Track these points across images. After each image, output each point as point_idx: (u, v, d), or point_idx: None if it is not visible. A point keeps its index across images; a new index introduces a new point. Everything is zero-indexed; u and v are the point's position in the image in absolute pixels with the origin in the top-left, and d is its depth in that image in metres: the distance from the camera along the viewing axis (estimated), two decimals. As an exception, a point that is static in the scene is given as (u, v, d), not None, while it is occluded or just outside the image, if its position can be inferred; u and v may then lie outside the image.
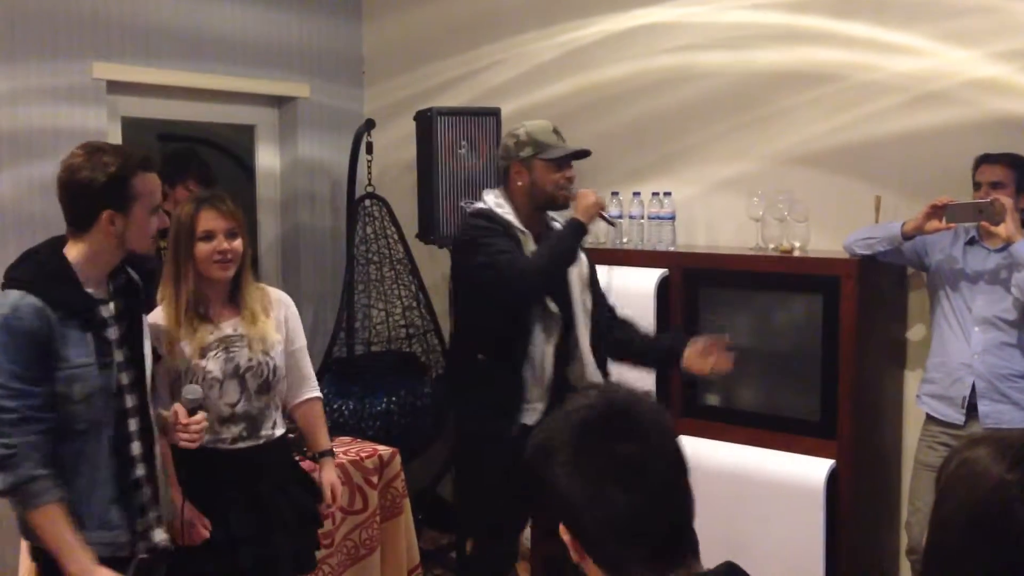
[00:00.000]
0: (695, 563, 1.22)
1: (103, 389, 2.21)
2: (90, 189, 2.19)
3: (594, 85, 4.36)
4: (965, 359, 3.16)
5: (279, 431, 2.70)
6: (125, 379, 2.29)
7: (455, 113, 4.08)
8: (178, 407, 2.38)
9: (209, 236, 2.54)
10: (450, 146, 4.02)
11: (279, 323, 2.70)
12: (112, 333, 2.27)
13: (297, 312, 2.81)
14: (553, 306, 3.03)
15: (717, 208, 4.01)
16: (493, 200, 3.11)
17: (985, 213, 3.03)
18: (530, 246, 3.03)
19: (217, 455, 2.57)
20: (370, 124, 4.60)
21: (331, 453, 2.86)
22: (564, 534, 1.25)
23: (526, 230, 3.05)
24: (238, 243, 2.57)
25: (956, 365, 3.18)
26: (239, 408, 2.59)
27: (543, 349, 3.01)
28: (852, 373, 3.29)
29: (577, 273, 3.10)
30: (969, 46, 3.40)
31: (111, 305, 2.28)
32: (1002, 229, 3.01)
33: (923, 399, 3.31)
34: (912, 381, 3.58)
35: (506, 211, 3.07)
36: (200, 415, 2.39)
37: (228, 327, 2.60)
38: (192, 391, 2.40)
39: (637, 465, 1.19)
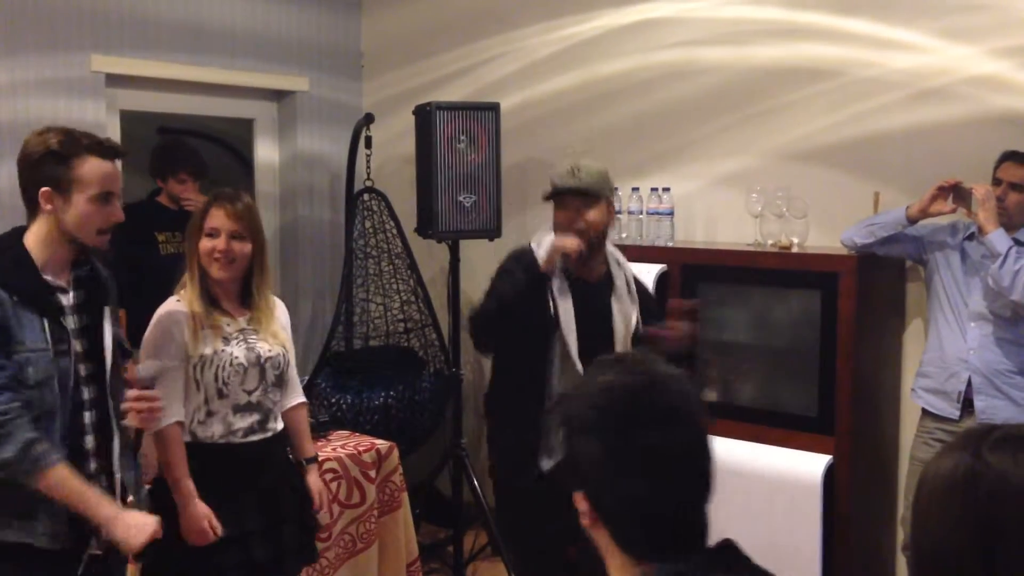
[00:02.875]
0: (702, 544, 1.23)
1: (56, 377, 2.16)
2: (30, 163, 2.17)
3: (594, 80, 4.36)
4: (961, 354, 3.16)
5: (280, 425, 2.75)
6: (83, 370, 2.24)
7: (454, 107, 4.08)
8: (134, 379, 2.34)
9: (213, 234, 2.57)
10: (449, 140, 4.01)
11: (281, 327, 2.77)
12: (71, 322, 2.23)
13: (288, 319, 2.86)
14: (579, 365, 2.86)
15: (716, 204, 4.01)
16: (536, 237, 3.01)
17: (966, 200, 3.06)
18: (556, 285, 2.92)
19: (230, 449, 2.60)
20: (369, 118, 4.59)
21: (315, 459, 2.90)
22: (579, 502, 1.26)
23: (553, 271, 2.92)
24: (241, 246, 2.58)
25: (952, 360, 3.18)
26: (255, 397, 2.63)
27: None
28: (850, 369, 3.30)
29: (624, 330, 2.99)
30: (969, 42, 3.40)
31: (71, 295, 2.25)
32: (976, 216, 3.02)
33: (918, 392, 3.32)
34: (910, 377, 3.58)
35: (541, 253, 2.92)
36: (148, 392, 2.32)
37: (243, 321, 2.65)
38: (147, 368, 2.38)
39: (663, 453, 1.19)
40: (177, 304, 2.59)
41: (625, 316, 3.00)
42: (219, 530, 2.52)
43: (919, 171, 3.50)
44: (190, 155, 4.14)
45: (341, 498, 3.41)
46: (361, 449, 3.51)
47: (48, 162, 2.16)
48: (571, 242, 2.84)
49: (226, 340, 2.58)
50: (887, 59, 3.57)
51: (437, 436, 4.56)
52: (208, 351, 2.55)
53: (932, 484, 1.13)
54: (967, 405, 3.14)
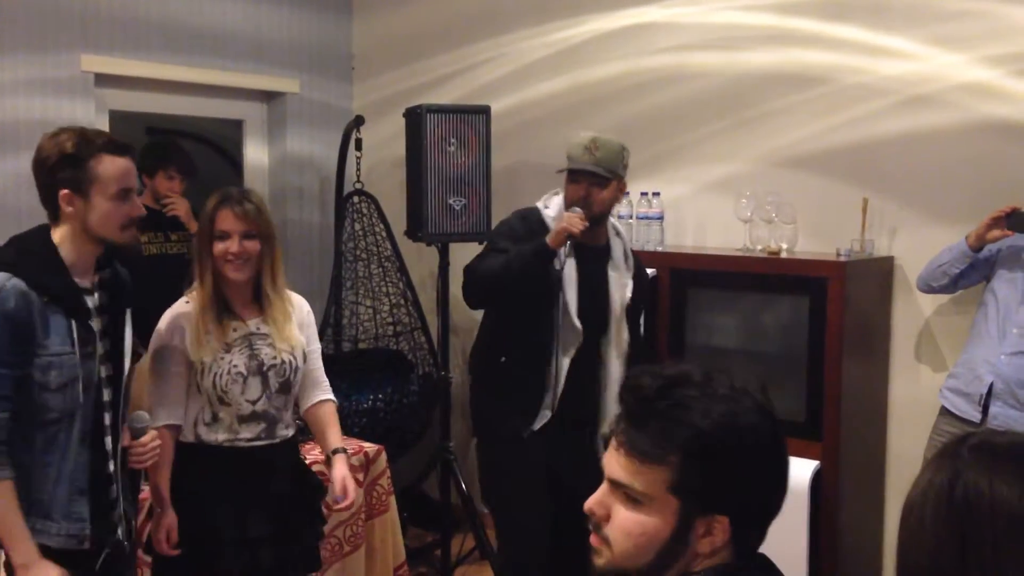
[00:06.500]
0: None
1: (81, 379, 2.17)
2: (45, 167, 2.17)
3: (584, 84, 4.36)
4: (991, 357, 3.07)
5: (291, 431, 2.73)
6: (104, 372, 2.26)
7: (445, 110, 4.07)
8: (124, 430, 2.36)
9: (224, 236, 2.53)
10: (439, 143, 4.01)
11: (300, 325, 2.73)
12: (95, 324, 2.24)
13: (313, 316, 2.83)
14: (577, 322, 3.04)
15: (706, 209, 4.01)
16: (544, 199, 3.18)
17: None
18: (563, 255, 3.05)
19: (235, 453, 2.59)
20: (359, 120, 4.59)
21: (343, 450, 2.85)
22: (713, 525, 1.36)
23: None
24: (253, 244, 2.55)
25: (980, 361, 3.10)
26: (259, 406, 2.60)
27: (560, 361, 3.05)
28: (838, 375, 3.30)
29: (619, 299, 3.15)
30: (959, 50, 3.41)
31: (96, 296, 2.26)
32: None
33: (944, 393, 3.24)
34: (898, 383, 3.60)
35: (550, 213, 3.12)
36: (148, 435, 2.37)
37: (252, 325, 2.61)
38: (139, 419, 2.38)
39: (786, 472, 1.37)
40: (185, 307, 2.57)
41: (620, 283, 3.17)
42: (173, 541, 2.51)
43: (908, 178, 3.51)
44: (182, 154, 4.16)
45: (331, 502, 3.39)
46: (349, 452, 3.50)
47: (64, 166, 2.16)
48: (577, 224, 2.93)
49: (227, 347, 2.54)
50: (877, 66, 3.58)
51: (425, 439, 4.55)
52: (208, 358, 2.52)
53: (912, 496, 1.13)
54: (987, 410, 3.07)
